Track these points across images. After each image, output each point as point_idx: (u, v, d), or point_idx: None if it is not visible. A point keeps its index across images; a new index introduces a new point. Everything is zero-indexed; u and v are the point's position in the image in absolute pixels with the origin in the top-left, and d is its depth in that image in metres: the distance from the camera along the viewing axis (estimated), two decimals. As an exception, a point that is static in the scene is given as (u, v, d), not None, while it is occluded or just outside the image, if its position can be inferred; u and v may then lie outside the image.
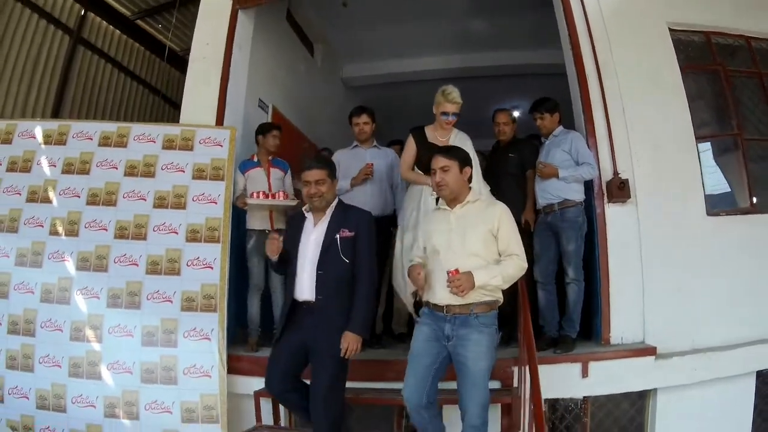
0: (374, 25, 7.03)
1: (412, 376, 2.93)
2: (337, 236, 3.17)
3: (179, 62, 9.22)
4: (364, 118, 4.64)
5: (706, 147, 4.91)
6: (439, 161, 3.05)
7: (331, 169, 3.32)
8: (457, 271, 2.77)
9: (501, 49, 7.55)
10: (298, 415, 3.44)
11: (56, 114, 7.47)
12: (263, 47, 5.68)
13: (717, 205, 4.65)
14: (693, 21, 4.93)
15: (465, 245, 2.92)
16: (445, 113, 4.02)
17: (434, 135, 4.16)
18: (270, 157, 4.67)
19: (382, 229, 4.46)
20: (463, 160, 3.05)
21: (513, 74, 7.81)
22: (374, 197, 4.53)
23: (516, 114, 5.21)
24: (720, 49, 5.06)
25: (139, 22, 9.05)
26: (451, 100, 4.01)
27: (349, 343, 3.02)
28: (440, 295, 2.91)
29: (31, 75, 7.16)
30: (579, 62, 4.58)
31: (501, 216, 2.96)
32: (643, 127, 4.44)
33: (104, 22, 8.45)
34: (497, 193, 4.21)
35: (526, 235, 4.17)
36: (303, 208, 3.36)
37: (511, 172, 4.62)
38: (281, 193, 4.40)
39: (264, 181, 4.57)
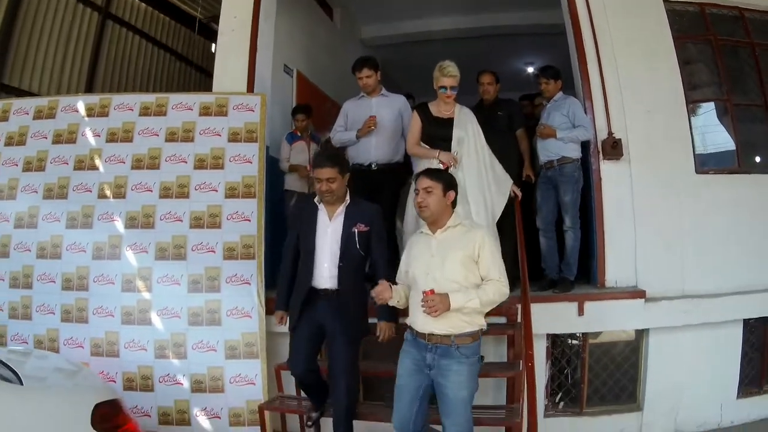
0: None
1: (398, 407, 2.97)
2: (355, 230, 3.33)
3: (203, 29, 9.56)
4: (366, 71, 4.67)
5: (708, 108, 5.23)
6: (423, 181, 3.01)
7: (342, 166, 3.37)
8: (432, 291, 2.74)
9: (511, 10, 7.84)
10: (312, 396, 3.64)
11: (90, 87, 7.87)
12: (286, 16, 6.07)
13: (712, 164, 5.00)
14: None
15: (444, 271, 2.87)
16: (443, 87, 4.17)
17: (438, 110, 4.33)
18: (309, 132, 5.35)
19: (394, 177, 4.67)
20: (448, 183, 3.00)
21: (523, 33, 8.13)
22: (380, 147, 4.63)
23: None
24: (714, 18, 5.29)
25: None
26: (447, 74, 4.15)
27: (384, 330, 3.34)
28: (421, 321, 2.87)
29: (64, 51, 7.56)
30: (576, 29, 4.92)
31: (482, 240, 2.90)
32: (637, 90, 4.77)
33: None
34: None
35: (528, 189, 4.67)
36: (315, 199, 3.44)
37: (500, 128, 4.86)
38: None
39: (306, 153, 5.31)
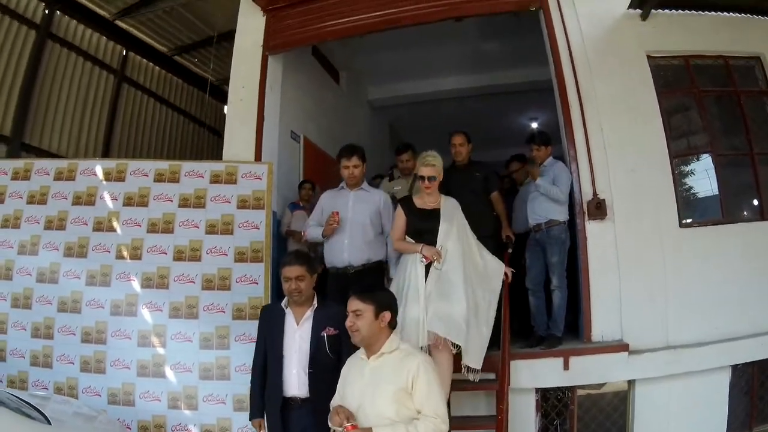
0: (395, 50, 7.59)
1: None
2: (324, 334, 3.25)
3: (215, 90, 10.02)
4: (355, 160, 4.44)
5: (692, 161, 5.45)
6: (352, 304, 2.78)
7: (310, 265, 3.33)
8: (354, 426, 2.56)
9: (512, 68, 8.14)
10: None
11: (107, 146, 8.36)
12: (292, 83, 6.43)
13: (696, 216, 5.24)
14: (671, 47, 5.46)
15: (375, 406, 2.63)
16: (421, 177, 4.10)
17: (422, 201, 4.22)
18: (309, 204, 5.64)
19: (375, 279, 4.35)
20: (381, 304, 2.76)
21: (525, 90, 8.38)
22: (353, 248, 4.33)
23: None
24: (698, 69, 5.52)
25: (176, 57, 9.91)
26: (425, 163, 4.08)
27: None
28: None
29: (82, 112, 8.05)
30: (562, 91, 5.21)
31: (416, 371, 2.62)
32: (621, 149, 5.03)
33: (144, 60, 9.33)
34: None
35: (517, 248, 4.95)
36: (281, 303, 3.39)
37: (474, 189, 4.96)
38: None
39: (305, 221, 5.40)
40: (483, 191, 5.02)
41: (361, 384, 2.73)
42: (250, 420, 3.50)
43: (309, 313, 3.34)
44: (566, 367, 4.46)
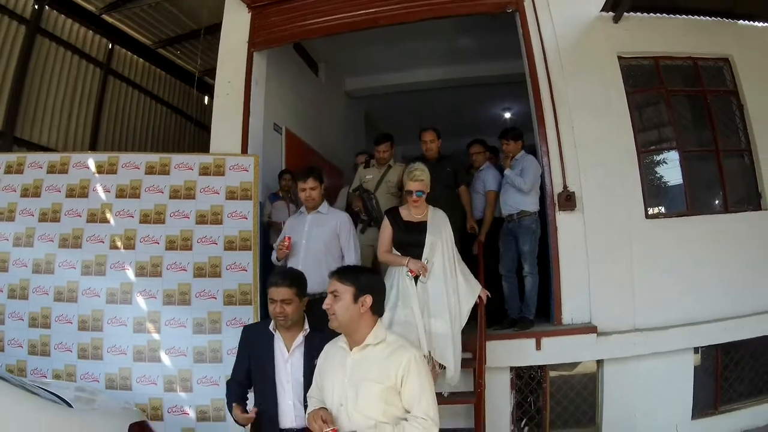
0: (372, 43, 7.76)
1: None
2: (317, 362, 2.90)
3: (198, 82, 10.26)
4: (311, 182, 4.33)
5: (658, 157, 5.78)
6: (331, 284, 2.53)
7: (299, 288, 3.09)
8: (335, 430, 2.37)
9: (487, 60, 8.34)
10: None
11: (94, 138, 8.51)
12: (275, 78, 6.65)
13: (661, 208, 5.56)
14: (642, 48, 5.74)
15: (358, 406, 2.39)
16: (409, 191, 4.11)
17: (409, 213, 4.20)
18: (289, 194, 5.82)
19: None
20: (362, 287, 2.45)
21: (499, 82, 8.60)
22: (309, 274, 3.50)
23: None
24: (667, 69, 5.80)
25: (160, 50, 10.06)
26: (413, 178, 4.08)
27: None
28: None
29: (70, 106, 8.20)
30: (536, 92, 5.49)
31: (407, 366, 2.37)
32: (591, 145, 5.32)
33: (129, 53, 9.50)
34: (431, 201, 4.71)
35: (492, 237, 5.26)
36: (270, 326, 3.15)
37: (446, 184, 5.19)
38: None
39: (285, 211, 5.79)
40: (453, 185, 5.28)
41: (342, 378, 2.47)
42: (230, 409, 3.16)
43: (300, 339, 3.11)
44: (538, 347, 4.78)
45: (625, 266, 5.14)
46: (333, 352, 2.61)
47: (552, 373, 5.02)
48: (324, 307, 2.52)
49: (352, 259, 4.29)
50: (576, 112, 5.39)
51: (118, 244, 4.98)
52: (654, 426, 4.99)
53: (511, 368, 4.92)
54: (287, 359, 3.09)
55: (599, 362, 5.01)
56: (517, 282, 5.20)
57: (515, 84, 6.09)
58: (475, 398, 4.10)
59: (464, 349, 4.20)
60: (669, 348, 5.03)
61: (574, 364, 5.05)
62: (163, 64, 10.42)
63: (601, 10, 5.62)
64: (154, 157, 5.28)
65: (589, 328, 4.92)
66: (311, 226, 4.36)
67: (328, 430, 2.37)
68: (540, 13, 5.67)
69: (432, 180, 4.68)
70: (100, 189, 5.18)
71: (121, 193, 5.13)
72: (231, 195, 5.08)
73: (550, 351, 4.82)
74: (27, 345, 4.92)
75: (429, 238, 4.10)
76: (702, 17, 5.87)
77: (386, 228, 4.21)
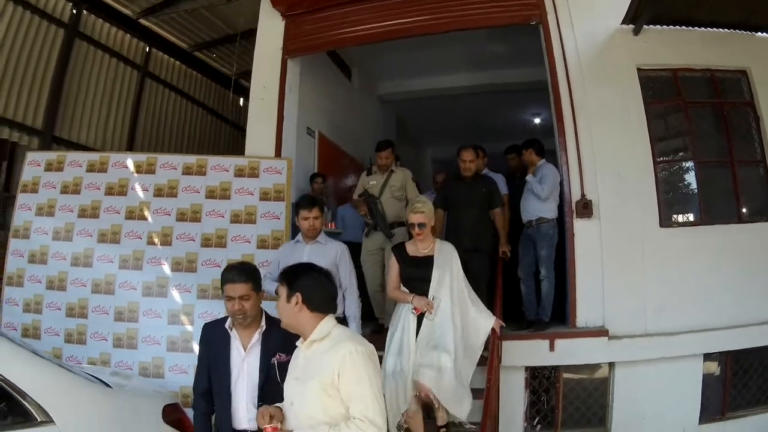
0: (404, 49, 7.87)
1: None
2: (275, 361, 2.88)
3: (230, 82, 10.54)
4: (315, 212, 4.20)
5: (674, 167, 5.89)
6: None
7: (255, 282, 2.96)
8: (275, 428, 2.26)
9: (516, 67, 8.37)
10: None
11: (132, 138, 8.87)
12: (309, 83, 6.89)
13: (676, 218, 5.67)
14: (661, 61, 5.82)
15: (302, 404, 2.27)
16: (412, 225, 4.02)
17: (415, 248, 4.10)
18: (320, 196, 6.04)
19: None
20: (295, 286, 2.37)
21: (528, 88, 8.46)
22: None
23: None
24: (685, 81, 5.87)
25: (196, 53, 10.42)
26: (413, 210, 3.99)
27: None
28: None
29: (108, 107, 8.57)
30: (557, 103, 5.64)
31: (342, 361, 2.19)
32: (609, 155, 5.45)
33: (166, 56, 9.85)
34: (456, 221, 4.90)
35: (512, 242, 5.38)
36: (225, 324, 3.02)
37: (478, 204, 5.17)
38: (331, 224, 5.88)
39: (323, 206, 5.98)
40: (487, 207, 5.23)
41: (294, 376, 2.40)
42: None
43: (257, 337, 2.97)
44: (552, 348, 4.97)
45: (638, 273, 5.28)
46: (296, 352, 2.49)
47: (565, 374, 5.20)
48: (275, 308, 2.48)
49: (354, 291, 4.24)
50: (595, 122, 5.52)
51: (155, 240, 5.26)
52: (662, 429, 5.10)
53: (526, 368, 5.12)
54: (244, 358, 2.96)
55: (611, 365, 5.17)
56: (534, 285, 5.39)
57: (543, 90, 6.02)
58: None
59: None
60: (678, 353, 5.15)
61: (588, 366, 5.22)
62: (200, 66, 10.77)
63: (621, 23, 5.72)
64: (191, 159, 5.56)
65: (601, 332, 5.09)
66: (310, 256, 4.06)
67: (267, 426, 2.26)
68: (562, 26, 5.79)
69: (465, 199, 4.95)
70: (138, 188, 5.46)
71: (158, 192, 5.41)
72: (264, 196, 5.34)
73: (563, 352, 5.01)
74: (63, 333, 5.21)
75: (436, 273, 3.98)
76: (720, 30, 5.91)
77: (393, 264, 4.12)
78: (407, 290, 4.04)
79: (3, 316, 5.34)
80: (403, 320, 3.97)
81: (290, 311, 2.36)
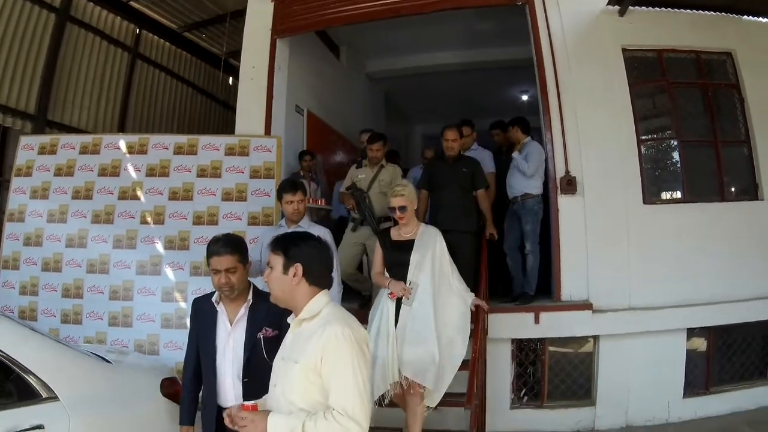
0: (393, 28, 7.90)
1: None
2: (260, 336, 2.80)
3: (219, 62, 10.62)
4: (299, 195, 4.15)
5: (658, 146, 6.04)
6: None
7: (242, 254, 2.89)
8: (254, 407, 2.06)
9: (504, 44, 8.32)
10: None
11: (123, 120, 8.91)
12: (298, 62, 6.96)
13: (659, 195, 5.80)
14: (646, 42, 5.93)
15: (284, 387, 2.07)
16: (392, 209, 4.00)
17: (398, 233, 4.08)
18: (310, 173, 6.16)
19: None
20: (294, 255, 2.11)
21: (516, 66, 8.42)
22: None
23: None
24: (670, 61, 5.97)
25: (186, 34, 10.46)
26: (394, 194, 3.98)
27: None
28: None
29: (100, 90, 8.59)
30: (542, 83, 5.73)
31: (326, 345, 1.96)
32: (593, 133, 5.57)
33: (156, 37, 9.88)
34: (437, 201, 4.82)
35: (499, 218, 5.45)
36: (213, 298, 2.95)
37: (461, 184, 5.08)
38: (322, 201, 5.92)
39: (305, 189, 5.98)
40: (470, 187, 5.13)
41: (281, 355, 2.19)
42: (180, 424, 3.04)
43: (243, 311, 2.89)
44: (537, 321, 5.10)
45: (622, 248, 5.41)
46: (290, 327, 2.25)
47: (550, 347, 5.33)
48: (263, 280, 2.25)
49: (337, 276, 4.06)
50: (580, 101, 5.62)
51: (148, 219, 5.33)
52: (647, 401, 5.26)
53: (513, 340, 5.25)
54: (230, 333, 2.89)
55: (595, 338, 5.30)
56: (521, 260, 5.51)
57: (531, 68, 6.06)
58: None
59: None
60: (661, 327, 5.28)
61: (573, 339, 5.35)
62: (189, 47, 10.77)
63: (607, 4, 5.79)
64: (183, 138, 5.62)
65: (585, 305, 5.22)
66: None
67: (247, 404, 2.09)
68: (548, 6, 5.86)
69: (447, 179, 4.90)
70: (131, 168, 5.52)
71: (151, 172, 5.47)
72: (255, 174, 5.41)
73: (547, 325, 5.14)
74: (60, 314, 5.27)
75: (414, 257, 3.93)
76: (705, 12, 6.00)
77: (378, 250, 4.15)
78: (389, 276, 4.03)
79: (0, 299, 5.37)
80: (381, 306, 3.94)
81: (287, 284, 2.11)
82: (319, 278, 2.15)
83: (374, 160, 5.49)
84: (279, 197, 4.24)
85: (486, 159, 5.78)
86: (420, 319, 3.82)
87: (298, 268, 2.10)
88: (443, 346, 3.83)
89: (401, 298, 3.88)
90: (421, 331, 3.80)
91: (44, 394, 2.63)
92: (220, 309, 2.92)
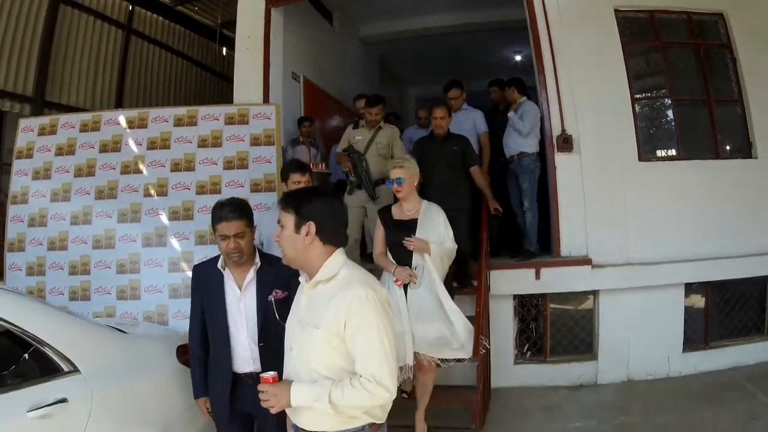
0: None
1: None
2: (271, 298, 2.75)
3: (213, 34, 10.70)
4: (307, 177, 3.94)
5: (652, 104, 6.12)
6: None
7: (249, 218, 2.83)
8: (275, 378, 2.00)
9: (497, 6, 8.33)
10: None
11: (120, 96, 8.99)
12: (292, 30, 7.03)
13: (654, 152, 5.88)
14: (638, 2, 5.98)
15: (302, 355, 1.99)
16: (389, 181, 3.93)
17: (400, 210, 3.97)
18: (309, 138, 6.25)
19: None
20: (306, 213, 1.98)
21: (510, 27, 8.33)
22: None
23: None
24: (662, 22, 6.03)
25: (179, 8, 10.49)
26: (393, 165, 3.90)
27: None
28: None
29: (96, 68, 8.65)
30: (536, 42, 5.80)
31: (349, 309, 1.88)
32: (587, 92, 5.64)
33: (149, 12, 9.92)
34: (428, 181, 4.55)
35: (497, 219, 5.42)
36: (218, 264, 2.89)
37: (451, 163, 4.96)
38: (321, 165, 5.96)
39: (306, 154, 6.22)
40: (461, 165, 5.01)
41: (296, 318, 2.10)
42: (195, 399, 3.03)
43: (252, 275, 2.84)
44: (537, 277, 5.22)
45: (619, 205, 5.51)
46: (300, 287, 2.16)
47: (552, 303, 5.46)
48: (274, 239, 2.17)
49: None
50: (573, 61, 5.69)
51: (152, 192, 5.37)
52: (647, 355, 5.38)
53: (515, 296, 5.36)
54: (240, 298, 2.84)
55: (595, 293, 5.42)
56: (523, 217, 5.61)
57: (524, 29, 6.04)
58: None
59: (472, 276, 4.61)
60: (659, 282, 5.40)
61: (574, 294, 5.46)
62: (183, 20, 10.79)
63: (599, -35, 5.80)
64: (182, 110, 5.63)
65: (584, 261, 5.33)
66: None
67: (267, 375, 2.02)
68: (540, -33, 5.86)
69: (437, 157, 4.81)
70: (132, 143, 5.53)
71: (152, 145, 5.48)
72: (255, 141, 5.43)
73: (548, 280, 5.25)
74: (68, 292, 5.29)
75: (419, 236, 3.84)
76: (698, -27, 6.00)
77: (379, 228, 4.01)
78: (391, 257, 3.93)
79: (7, 282, 5.41)
80: (388, 287, 3.81)
81: (299, 243, 1.98)
82: (333, 236, 2.03)
83: (372, 123, 5.39)
84: (284, 177, 4.03)
85: (478, 119, 5.82)
86: (429, 301, 3.80)
87: (311, 226, 1.97)
88: (454, 318, 3.80)
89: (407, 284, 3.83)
90: (432, 311, 3.80)
91: (66, 368, 2.64)
92: (227, 274, 2.85)
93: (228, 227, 2.72)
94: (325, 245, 2.00)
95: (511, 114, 5.56)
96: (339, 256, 2.03)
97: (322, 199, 2.04)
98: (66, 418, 2.52)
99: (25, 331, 2.60)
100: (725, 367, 5.41)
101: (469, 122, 5.77)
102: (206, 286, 2.90)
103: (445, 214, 3.92)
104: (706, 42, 6.15)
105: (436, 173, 4.80)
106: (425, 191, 4.81)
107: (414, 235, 3.82)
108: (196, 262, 4.86)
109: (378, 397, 1.86)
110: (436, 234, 3.85)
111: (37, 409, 2.39)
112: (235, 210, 2.77)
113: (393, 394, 1.88)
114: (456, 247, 3.93)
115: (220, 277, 2.85)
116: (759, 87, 5.91)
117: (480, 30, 9.17)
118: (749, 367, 5.40)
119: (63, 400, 2.51)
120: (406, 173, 3.80)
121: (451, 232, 3.88)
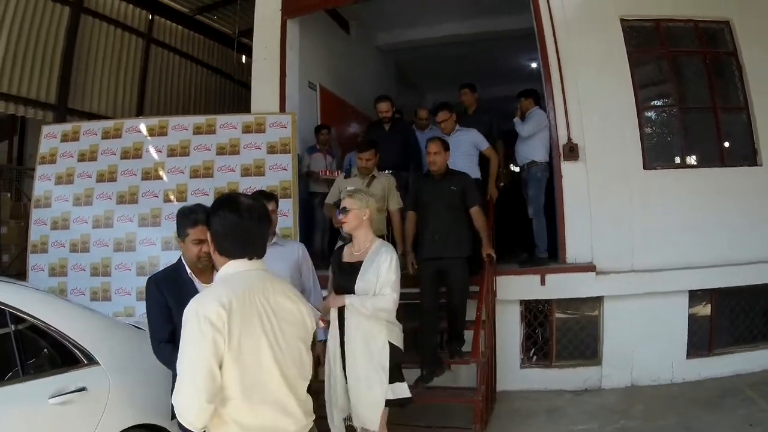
0: (401, 0, 7.99)
1: None
2: None
3: (232, 42, 10.91)
4: (272, 205, 3.71)
5: (657, 113, 6.19)
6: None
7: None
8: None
9: (511, 14, 8.22)
10: None
11: (141, 103, 9.26)
12: (308, 39, 7.20)
13: (659, 161, 5.90)
14: (644, 12, 6.02)
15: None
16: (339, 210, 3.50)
17: (350, 251, 3.49)
18: (326, 146, 6.42)
19: None
20: (210, 225, 2.06)
21: (524, 35, 8.07)
22: None
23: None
24: (668, 31, 6.08)
25: (198, 17, 10.78)
26: (345, 194, 3.51)
27: None
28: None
29: (117, 76, 8.93)
30: (543, 51, 5.91)
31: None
32: (593, 101, 5.73)
33: (169, 21, 10.22)
34: (424, 223, 4.42)
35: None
36: (187, 272, 2.88)
37: (449, 204, 4.54)
38: (337, 172, 6.08)
39: (322, 162, 6.37)
40: (461, 206, 4.59)
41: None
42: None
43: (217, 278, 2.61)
44: (543, 283, 5.32)
45: (624, 213, 5.58)
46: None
47: (557, 309, 5.55)
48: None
49: (318, 292, 3.80)
50: (580, 70, 5.78)
51: (171, 197, 5.58)
52: (652, 361, 5.43)
53: (521, 302, 5.49)
54: None
55: (600, 299, 5.50)
56: (545, 222, 5.71)
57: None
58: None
59: (472, 284, 4.68)
60: (663, 289, 5.44)
61: (579, 300, 5.54)
62: (202, 29, 11.10)
63: (604, -25, 5.87)
64: (201, 119, 5.85)
65: (589, 267, 5.42)
66: (272, 260, 2.76)
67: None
68: (548, -24, 5.94)
69: (433, 199, 4.48)
70: (152, 150, 5.74)
71: (172, 152, 5.69)
72: (272, 149, 5.62)
73: (553, 286, 5.35)
74: (89, 292, 5.51)
75: (359, 285, 3.31)
76: (704, -19, 6.03)
77: (330, 271, 3.63)
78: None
79: (30, 282, 5.50)
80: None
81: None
82: (230, 248, 2.04)
83: (365, 171, 4.88)
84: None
85: (477, 138, 5.57)
86: (354, 362, 3.33)
87: (210, 237, 2.07)
88: (363, 387, 3.32)
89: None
90: (358, 375, 3.34)
91: (86, 360, 2.85)
92: (198, 284, 2.84)
93: (203, 231, 2.55)
94: (221, 256, 2.04)
95: (516, 120, 5.70)
96: (226, 268, 2.03)
97: (221, 213, 2.04)
98: (85, 405, 2.75)
99: (49, 325, 2.82)
100: (729, 373, 5.42)
101: (467, 144, 5.53)
102: (174, 294, 2.76)
103: (396, 256, 3.39)
104: (711, 50, 6.19)
105: (432, 217, 4.48)
106: (421, 236, 4.67)
107: (356, 280, 3.33)
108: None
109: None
110: (371, 281, 3.30)
111: (58, 396, 2.64)
112: (206, 214, 2.71)
113: (196, 427, 1.83)
114: (397, 296, 3.33)
115: (191, 284, 2.83)
116: (765, 94, 5.92)
117: (495, 38, 9.23)
118: (753, 374, 5.41)
119: (83, 389, 2.74)
120: (355, 204, 3.36)
121: (393, 277, 3.28)
